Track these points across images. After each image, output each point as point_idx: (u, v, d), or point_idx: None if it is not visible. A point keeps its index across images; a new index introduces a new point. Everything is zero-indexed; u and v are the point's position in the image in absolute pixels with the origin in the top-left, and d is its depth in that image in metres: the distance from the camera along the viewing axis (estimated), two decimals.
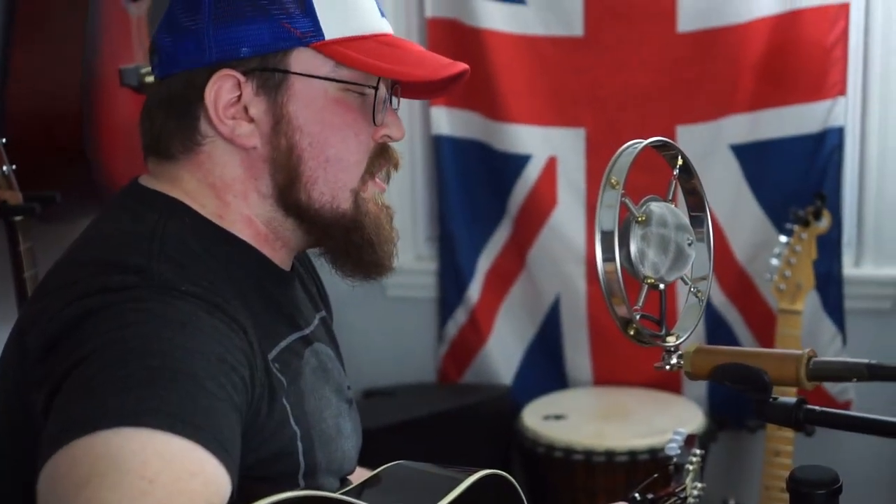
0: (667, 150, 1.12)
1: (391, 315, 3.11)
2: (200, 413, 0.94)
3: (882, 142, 2.78)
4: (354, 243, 1.21)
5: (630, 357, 2.85)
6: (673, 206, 1.10)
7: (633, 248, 1.05)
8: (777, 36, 2.74)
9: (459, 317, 3.05)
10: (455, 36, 2.91)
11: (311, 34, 1.15)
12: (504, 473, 1.22)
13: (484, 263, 3.03)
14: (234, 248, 1.18)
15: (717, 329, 2.88)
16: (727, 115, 2.81)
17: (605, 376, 2.97)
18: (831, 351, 2.78)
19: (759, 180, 2.84)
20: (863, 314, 2.83)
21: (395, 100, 1.24)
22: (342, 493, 1.12)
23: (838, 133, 2.75)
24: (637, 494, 1.25)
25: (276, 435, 1.11)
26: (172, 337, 0.99)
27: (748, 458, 2.94)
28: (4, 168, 1.80)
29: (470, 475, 1.18)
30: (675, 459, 1.36)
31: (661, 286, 1.07)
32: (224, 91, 1.15)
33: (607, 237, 1.03)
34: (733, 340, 2.88)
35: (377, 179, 1.22)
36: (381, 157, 1.22)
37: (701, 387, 2.86)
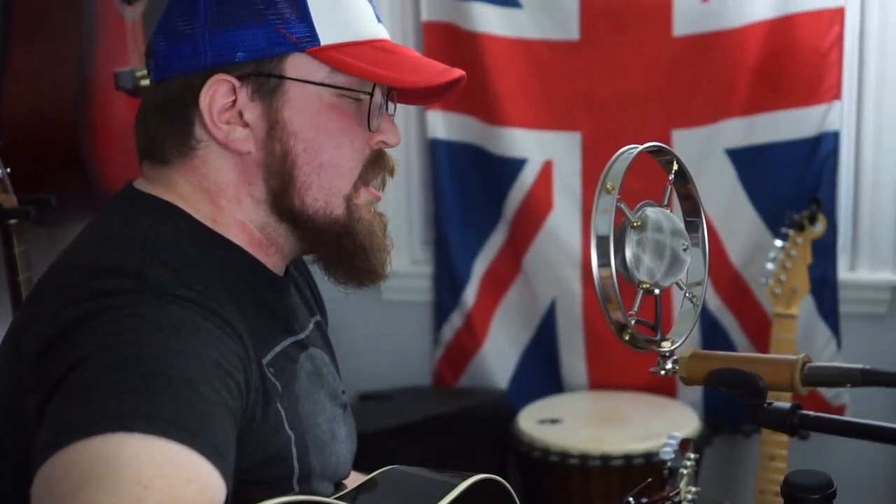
0: (662, 156, 1.12)
1: (387, 318, 3.11)
2: (195, 418, 0.94)
3: (877, 146, 2.78)
4: (347, 249, 1.21)
5: (626, 361, 2.85)
6: (668, 211, 1.10)
7: (628, 254, 1.05)
8: (773, 40, 2.75)
9: (455, 320, 3.05)
10: (451, 39, 2.91)
11: (306, 39, 1.15)
12: (499, 478, 1.22)
13: (480, 267, 3.03)
14: (229, 252, 1.18)
15: (712, 333, 2.88)
16: (723, 119, 2.82)
17: (601, 380, 2.97)
18: (826, 355, 2.78)
19: (755, 184, 2.84)
20: (858, 318, 2.83)
21: (391, 105, 1.24)
22: (336, 498, 1.12)
23: (833, 137, 2.75)
24: (631, 498, 1.25)
25: (270, 439, 1.11)
26: (167, 341, 0.99)
27: (743, 462, 2.95)
28: None
29: (464, 480, 1.18)
30: (669, 463, 1.36)
31: (657, 291, 1.08)
32: (219, 96, 1.15)
33: (603, 242, 1.03)
34: (729, 344, 2.88)
35: (372, 187, 1.22)
36: (376, 165, 1.22)
37: (696, 391, 2.87)
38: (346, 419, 1.30)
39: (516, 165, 2.93)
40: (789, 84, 2.76)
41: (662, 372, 1.10)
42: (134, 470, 0.88)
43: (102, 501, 0.85)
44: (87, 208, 1.96)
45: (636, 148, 1.08)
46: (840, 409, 2.81)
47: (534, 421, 2.75)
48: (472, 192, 3.02)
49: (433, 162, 3.01)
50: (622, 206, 1.05)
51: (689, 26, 2.79)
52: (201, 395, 0.96)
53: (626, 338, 1.06)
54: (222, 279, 1.14)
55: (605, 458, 2.56)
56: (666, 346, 1.10)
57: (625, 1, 2.82)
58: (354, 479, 1.28)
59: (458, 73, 1.22)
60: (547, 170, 2.93)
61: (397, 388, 3.03)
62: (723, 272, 2.85)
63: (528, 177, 2.93)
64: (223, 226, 1.19)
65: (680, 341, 1.10)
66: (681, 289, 1.12)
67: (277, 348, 1.17)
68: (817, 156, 2.76)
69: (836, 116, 2.74)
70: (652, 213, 1.08)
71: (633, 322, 1.05)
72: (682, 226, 1.11)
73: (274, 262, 1.23)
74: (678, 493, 1.33)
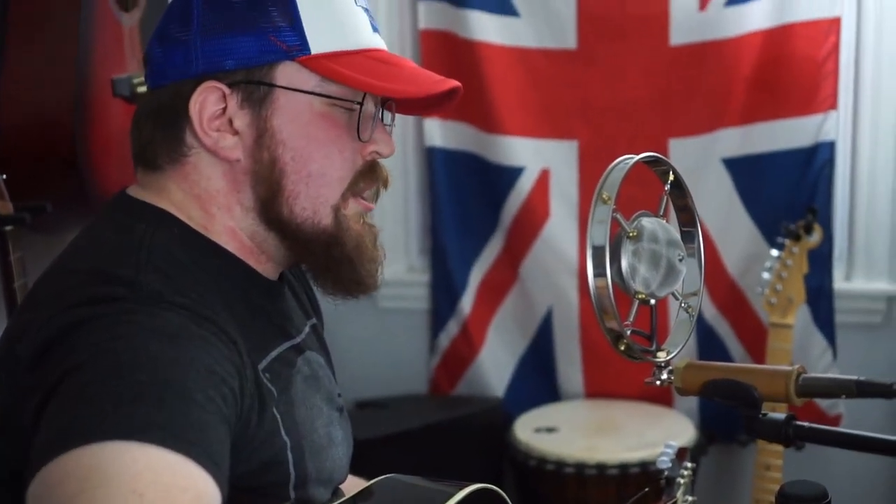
0: (658, 166, 1.12)
1: (383, 326, 3.10)
2: (191, 427, 0.94)
3: (873, 156, 2.79)
4: (335, 259, 1.20)
5: (622, 370, 2.85)
6: (664, 221, 1.10)
7: (624, 264, 1.05)
8: (769, 50, 2.76)
9: (452, 328, 3.05)
10: (448, 48, 2.92)
11: (297, 48, 1.15)
12: (495, 488, 1.22)
13: (476, 275, 3.03)
14: (221, 259, 1.18)
15: (708, 342, 2.88)
16: (719, 128, 2.82)
17: (597, 389, 2.97)
18: (822, 365, 2.79)
19: (751, 194, 2.84)
20: (853, 328, 2.83)
21: (387, 115, 1.24)
22: None
23: (829, 147, 2.76)
24: None
25: (266, 445, 1.11)
26: (162, 349, 0.99)
27: (739, 471, 2.94)
28: None
29: (461, 489, 1.18)
30: (666, 473, 1.36)
31: (652, 301, 1.08)
32: (209, 103, 1.15)
33: (598, 252, 1.03)
34: (725, 353, 2.88)
35: (363, 198, 1.22)
36: (369, 175, 1.21)
37: (692, 400, 2.86)
38: (343, 422, 1.30)
39: (513, 174, 2.93)
40: (786, 94, 2.76)
41: (658, 382, 1.10)
42: (130, 478, 0.88)
43: None
44: (83, 215, 1.95)
45: (632, 158, 1.08)
46: (836, 420, 2.81)
47: (530, 429, 2.75)
48: (469, 201, 3.02)
49: (430, 170, 3.02)
50: (618, 216, 1.05)
51: (685, 35, 2.80)
52: (196, 403, 0.96)
53: (622, 348, 1.06)
54: (216, 286, 1.13)
55: (601, 467, 2.55)
56: (661, 356, 1.10)
57: (622, 10, 2.82)
58: (351, 483, 1.28)
59: (452, 83, 1.21)
60: (544, 178, 2.93)
61: (394, 395, 3.02)
62: (719, 281, 2.85)
63: (524, 185, 2.93)
64: (215, 233, 1.18)
65: (675, 352, 1.10)
66: (676, 299, 1.12)
67: (273, 353, 1.17)
68: (813, 165, 2.77)
69: (832, 126, 2.75)
70: (648, 223, 1.08)
71: (628, 332, 1.05)
72: (677, 236, 1.11)
73: (266, 269, 1.22)
74: (675, 503, 1.33)
